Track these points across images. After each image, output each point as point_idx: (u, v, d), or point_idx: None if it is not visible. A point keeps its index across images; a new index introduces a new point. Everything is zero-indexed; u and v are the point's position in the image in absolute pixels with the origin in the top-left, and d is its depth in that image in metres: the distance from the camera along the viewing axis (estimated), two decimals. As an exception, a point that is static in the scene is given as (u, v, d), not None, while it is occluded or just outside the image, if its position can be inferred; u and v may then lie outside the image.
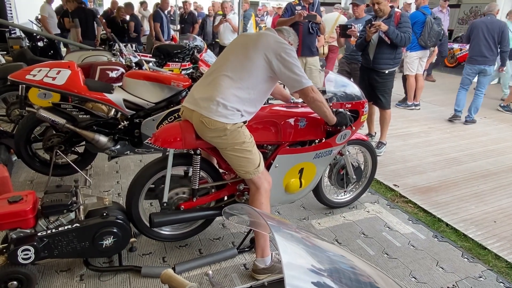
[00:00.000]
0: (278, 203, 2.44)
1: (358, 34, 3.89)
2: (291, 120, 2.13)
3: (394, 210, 2.83)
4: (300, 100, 2.28)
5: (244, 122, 1.89)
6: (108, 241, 1.88)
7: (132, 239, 2.04)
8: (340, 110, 2.21)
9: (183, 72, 3.91)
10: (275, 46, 1.82)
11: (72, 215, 1.91)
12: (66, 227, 1.82)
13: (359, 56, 4.19)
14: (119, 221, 1.90)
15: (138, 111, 2.78)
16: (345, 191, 2.80)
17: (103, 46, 6.24)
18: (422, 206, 2.86)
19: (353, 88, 2.43)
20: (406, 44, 3.59)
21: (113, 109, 2.91)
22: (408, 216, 2.75)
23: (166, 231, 2.21)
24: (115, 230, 1.88)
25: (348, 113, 2.24)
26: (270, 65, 1.82)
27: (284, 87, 2.26)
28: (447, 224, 2.64)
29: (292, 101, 2.36)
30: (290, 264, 0.69)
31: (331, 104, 2.23)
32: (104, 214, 1.90)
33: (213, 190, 2.19)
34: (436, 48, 6.15)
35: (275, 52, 1.81)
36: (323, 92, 2.25)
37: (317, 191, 2.61)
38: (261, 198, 1.92)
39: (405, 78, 5.72)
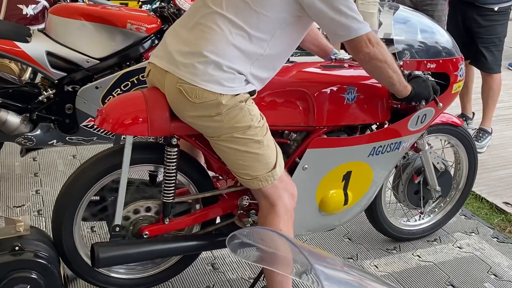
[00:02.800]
0: (307, 230, 2.45)
1: None
2: (332, 90, 2.13)
3: (505, 245, 2.84)
4: (349, 55, 2.27)
5: (252, 94, 1.89)
6: (22, 293, 1.90)
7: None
8: (418, 73, 2.20)
9: (146, 7, 3.90)
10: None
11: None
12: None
13: None
14: (40, 260, 1.90)
15: (72, 73, 2.80)
16: (421, 213, 2.81)
17: None
18: (553, 240, 2.86)
19: (440, 36, 2.42)
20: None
21: (30, 69, 2.93)
22: (528, 256, 2.76)
23: (119, 273, 2.23)
24: (33, 276, 1.89)
25: (431, 78, 2.23)
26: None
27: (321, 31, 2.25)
28: None
29: (333, 56, 2.36)
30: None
31: (401, 63, 2.21)
32: (17, 248, 1.90)
33: (197, 206, 2.20)
34: None
35: None
36: (389, 41, 2.24)
37: (374, 211, 2.62)
38: (279, 221, 1.92)
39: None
